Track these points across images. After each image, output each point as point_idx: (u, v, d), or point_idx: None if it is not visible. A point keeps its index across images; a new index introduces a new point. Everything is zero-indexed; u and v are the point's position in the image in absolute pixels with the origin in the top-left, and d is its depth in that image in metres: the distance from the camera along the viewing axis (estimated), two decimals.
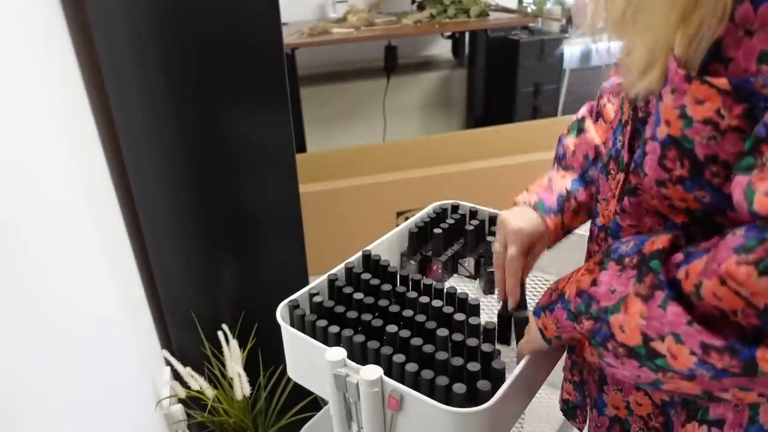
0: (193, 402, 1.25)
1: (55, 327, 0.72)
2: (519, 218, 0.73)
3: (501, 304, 0.79)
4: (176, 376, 1.23)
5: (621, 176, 0.56)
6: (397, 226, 1.03)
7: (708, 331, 0.41)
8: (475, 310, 0.78)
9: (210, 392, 1.20)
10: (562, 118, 3.06)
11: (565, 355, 0.76)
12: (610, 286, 0.49)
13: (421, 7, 2.87)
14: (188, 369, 1.20)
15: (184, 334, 1.34)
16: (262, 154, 1.20)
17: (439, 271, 0.99)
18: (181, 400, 1.24)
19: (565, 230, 0.75)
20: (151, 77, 1.07)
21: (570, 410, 0.78)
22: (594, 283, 0.51)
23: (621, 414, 0.63)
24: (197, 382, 1.20)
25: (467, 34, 3.18)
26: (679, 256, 0.45)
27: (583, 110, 0.77)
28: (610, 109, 0.73)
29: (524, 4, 3.14)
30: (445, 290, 0.80)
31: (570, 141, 0.76)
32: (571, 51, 3.08)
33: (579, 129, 0.76)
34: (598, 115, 0.75)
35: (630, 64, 0.47)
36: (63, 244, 0.81)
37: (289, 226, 1.30)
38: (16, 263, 0.63)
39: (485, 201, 1.12)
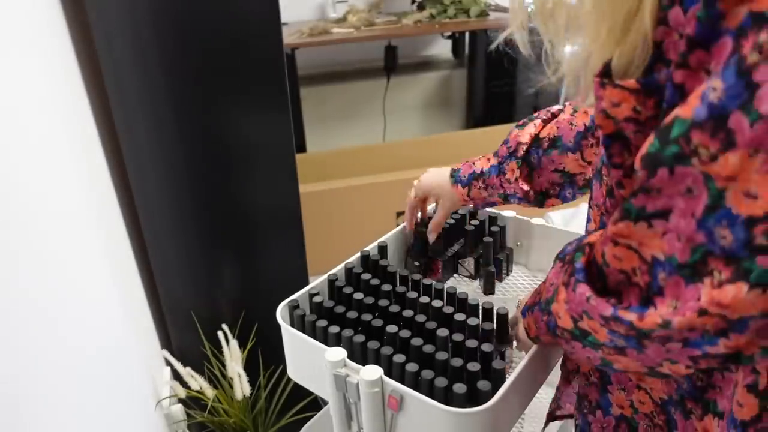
0: (193, 402, 1.25)
1: (55, 327, 0.72)
2: (431, 175, 0.93)
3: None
4: (176, 376, 1.23)
5: None
6: (397, 226, 1.03)
7: (603, 303, 0.45)
8: (474, 310, 0.78)
9: (210, 392, 1.20)
10: None
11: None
12: (551, 281, 0.55)
13: (421, 7, 2.87)
14: (188, 369, 1.20)
15: (184, 334, 1.34)
16: (262, 154, 1.20)
17: (439, 271, 0.99)
18: (181, 400, 1.24)
19: (479, 199, 0.88)
20: (151, 77, 1.07)
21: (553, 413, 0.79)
22: (546, 281, 0.58)
23: (627, 413, 0.64)
24: (197, 382, 1.20)
25: (467, 34, 3.18)
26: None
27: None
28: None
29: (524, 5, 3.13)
30: (445, 290, 0.80)
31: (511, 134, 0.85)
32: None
33: (523, 125, 0.83)
34: (553, 115, 0.82)
35: (583, 68, 0.49)
36: (63, 245, 0.81)
37: (289, 226, 1.30)
38: (15, 263, 0.63)
39: None
